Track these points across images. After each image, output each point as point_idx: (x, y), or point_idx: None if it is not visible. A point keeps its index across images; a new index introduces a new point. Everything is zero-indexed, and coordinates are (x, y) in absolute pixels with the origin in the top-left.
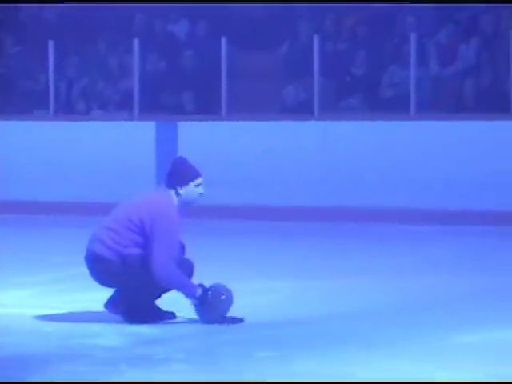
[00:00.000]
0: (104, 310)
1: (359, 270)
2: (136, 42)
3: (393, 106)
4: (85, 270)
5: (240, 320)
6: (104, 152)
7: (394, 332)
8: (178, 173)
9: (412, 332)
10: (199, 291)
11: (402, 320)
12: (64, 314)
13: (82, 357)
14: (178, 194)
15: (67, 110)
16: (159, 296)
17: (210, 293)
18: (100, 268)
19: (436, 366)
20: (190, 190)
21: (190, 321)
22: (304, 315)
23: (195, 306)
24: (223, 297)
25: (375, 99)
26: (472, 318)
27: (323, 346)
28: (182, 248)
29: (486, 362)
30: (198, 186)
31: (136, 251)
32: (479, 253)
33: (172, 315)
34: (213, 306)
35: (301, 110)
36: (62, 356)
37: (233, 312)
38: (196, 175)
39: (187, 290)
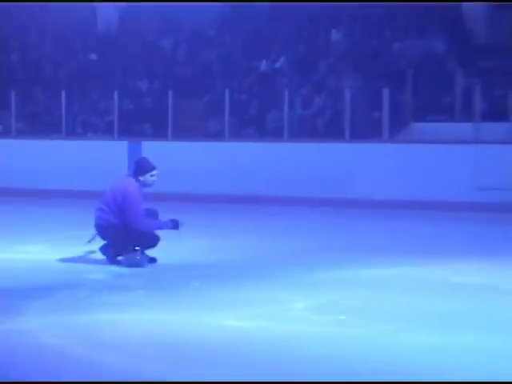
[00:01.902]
0: (94, 256)
1: (231, 234)
2: (116, 94)
3: (274, 134)
4: (78, 233)
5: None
6: (95, 158)
7: (259, 274)
8: (139, 167)
9: (273, 273)
10: (169, 223)
11: (265, 265)
12: (66, 259)
13: (78, 286)
14: (138, 180)
15: (72, 134)
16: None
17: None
18: (102, 231)
19: (293, 295)
20: (147, 178)
21: (157, 265)
22: (209, 260)
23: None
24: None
25: (263, 130)
26: (318, 262)
27: (228, 281)
28: (155, 212)
29: (328, 292)
30: (152, 175)
31: (119, 219)
32: (304, 226)
33: (151, 259)
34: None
35: (218, 135)
36: (64, 285)
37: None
38: (151, 169)
39: (164, 226)
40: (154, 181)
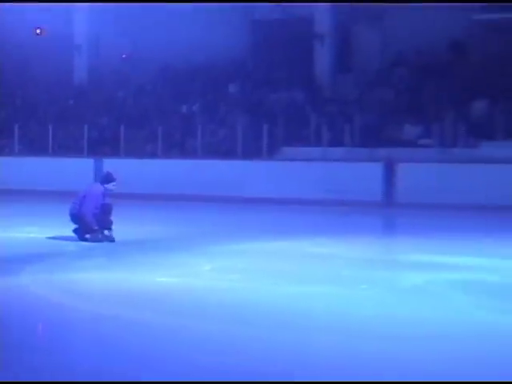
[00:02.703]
0: (70, 235)
1: (165, 223)
2: (86, 127)
3: (191, 154)
4: (60, 219)
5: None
6: (71, 170)
7: (181, 248)
8: (106, 178)
9: (191, 247)
10: (94, 227)
11: (186, 242)
12: (51, 237)
13: (59, 255)
14: (104, 187)
15: (56, 153)
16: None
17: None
18: (73, 218)
19: (204, 261)
20: (109, 186)
21: (113, 241)
22: (150, 239)
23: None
24: (100, 235)
25: (184, 151)
26: (222, 240)
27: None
28: (110, 206)
29: (227, 259)
30: (114, 185)
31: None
32: (211, 216)
33: (108, 237)
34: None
35: (153, 155)
36: (49, 254)
37: None
38: (113, 180)
39: (90, 225)
40: (114, 188)
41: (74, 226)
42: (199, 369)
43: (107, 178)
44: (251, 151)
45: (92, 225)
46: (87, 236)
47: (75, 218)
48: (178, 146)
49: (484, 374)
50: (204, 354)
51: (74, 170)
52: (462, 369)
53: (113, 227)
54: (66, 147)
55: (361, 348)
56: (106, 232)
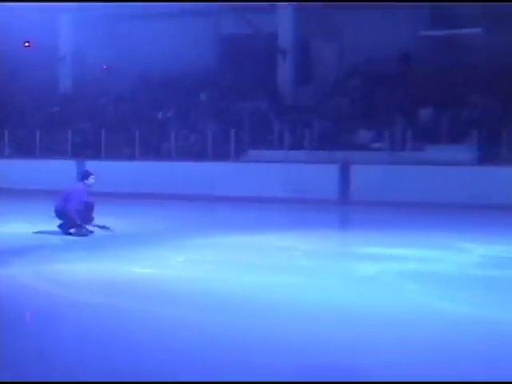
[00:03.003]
0: (55, 230)
1: (142, 218)
2: (69, 132)
3: (166, 156)
4: (47, 216)
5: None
6: (56, 171)
7: (156, 241)
8: (84, 174)
9: (164, 240)
10: (78, 223)
11: (160, 236)
12: (38, 232)
13: (45, 248)
14: (84, 183)
15: (43, 156)
16: (83, 224)
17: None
18: (58, 214)
19: (176, 253)
20: (89, 180)
21: (95, 235)
22: (126, 233)
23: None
24: (84, 230)
25: (159, 154)
26: (193, 234)
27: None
28: (92, 204)
29: (199, 251)
30: (92, 178)
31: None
32: (183, 213)
33: (90, 232)
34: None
35: (131, 157)
36: (36, 247)
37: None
38: (91, 174)
39: (74, 221)
40: (93, 181)
41: (58, 222)
42: (173, 353)
43: (86, 174)
44: (220, 154)
45: (76, 220)
46: (71, 231)
47: (60, 214)
48: (154, 150)
49: (447, 360)
50: (178, 339)
51: (59, 171)
52: (423, 354)
53: (93, 223)
54: (52, 150)
55: (324, 332)
56: (88, 227)
